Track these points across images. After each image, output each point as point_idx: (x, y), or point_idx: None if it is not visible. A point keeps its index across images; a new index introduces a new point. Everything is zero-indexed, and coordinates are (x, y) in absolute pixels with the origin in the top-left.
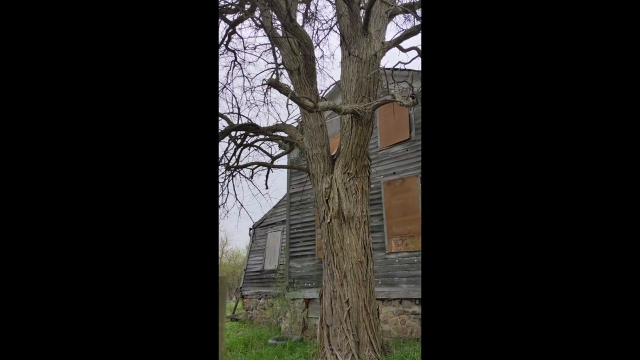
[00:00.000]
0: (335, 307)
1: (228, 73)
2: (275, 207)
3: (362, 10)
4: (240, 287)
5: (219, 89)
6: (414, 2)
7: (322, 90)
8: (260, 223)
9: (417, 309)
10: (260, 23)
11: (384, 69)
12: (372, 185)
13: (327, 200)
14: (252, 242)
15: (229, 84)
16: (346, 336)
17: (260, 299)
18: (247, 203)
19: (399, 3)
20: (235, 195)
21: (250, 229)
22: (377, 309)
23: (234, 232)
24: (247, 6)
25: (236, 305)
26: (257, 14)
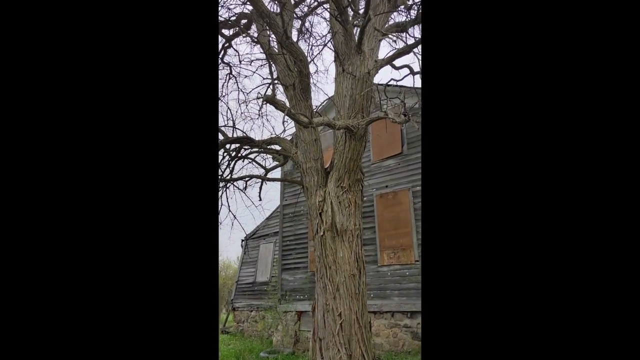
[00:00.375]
0: (327, 320)
1: (223, 85)
2: (268, 219)
3: (356, 28)
4: (232, 299)
5: None
6: (406, 21)
7: (316, 106)
8: (253, 234)
9: (409, 322)
10: (256, 39)
11: (377, 85)
12: (364, 198)
13: (320, 213)
14: (244, 253)
15: (224, 96)
16: (338, 349)
17: (251, 311)
18: (240, 214)
19: (391, 21)
20: (229, 206)
21: (243, 240)
22: (369, 322)
23: (226, 244)
24: (243, 21)
25: (227, 318)
26: (253, 27)
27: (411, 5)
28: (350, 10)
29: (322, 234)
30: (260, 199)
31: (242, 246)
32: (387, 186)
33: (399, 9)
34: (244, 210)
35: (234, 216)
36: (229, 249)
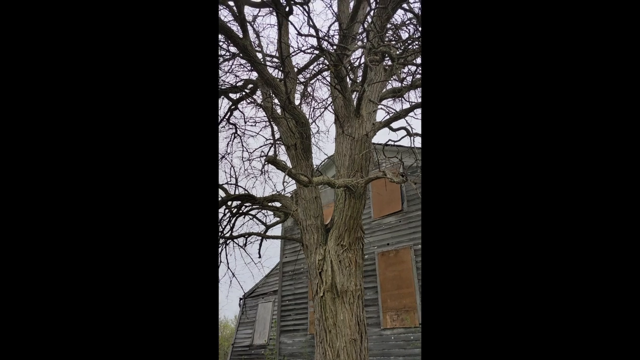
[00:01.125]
0: None
1: (228, 144)
2: (267, 276)
3: (355, 92)
4: None
5: (219, 158)
6: (401, 87)
7: (317, 165)
8: (251, 293)
9: None
10: (260, 104)
11: (375, 145)
12: (365, 257)
13: (320, 273)
14: (242, 313)
15: (228, 154)
16: None
17: None
18: (238, 272)
19: (389, 86)
20: (228, 264)
21: (241, 299)
22: None
23: (223, 302)
24: (250, 86)
25: None
26: (259, 92)
27: (404, 77)
28: (348, 79)
29: (321, 294)
30: (260, 256)
31: (239, 305)
32: (388, 244)
33: (393, 77)
34: (243, 267)
35: (233, 274)
36: (227, 307)
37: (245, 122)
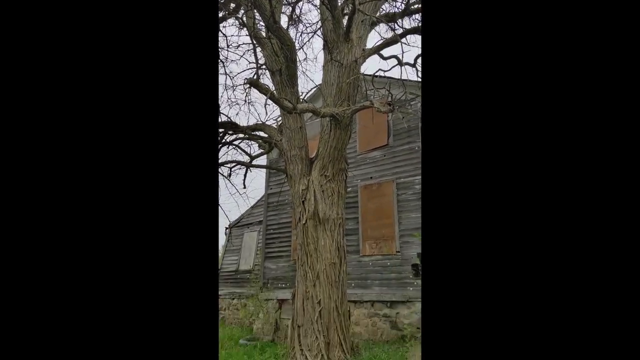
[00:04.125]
0: (307, 307)
1: None
2: (252, 207)
3: (346, 16)
4: None
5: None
6: (395, 12)
7: (303, 93)
8: (237, 222)
9: (388, 311)
10: (243, 22)
11: (364, 75)
12: (349, 189)
13: (303, 202)
14: (228, 241)
15: None
16: (316, 337)
17: (233, 299)
18: (223, 202)
19: (383, 12)
20: None
21: (227, 228)
22: (349, 311)
23: None
24: (232, 5)
25: None
26: (241, 12)
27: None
28: None
29: (304, 222)
30: (245, 187)
31: (225, 234)
32: (371, 177)
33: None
34: (228, 197)
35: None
36: None
37: (227, 46)
